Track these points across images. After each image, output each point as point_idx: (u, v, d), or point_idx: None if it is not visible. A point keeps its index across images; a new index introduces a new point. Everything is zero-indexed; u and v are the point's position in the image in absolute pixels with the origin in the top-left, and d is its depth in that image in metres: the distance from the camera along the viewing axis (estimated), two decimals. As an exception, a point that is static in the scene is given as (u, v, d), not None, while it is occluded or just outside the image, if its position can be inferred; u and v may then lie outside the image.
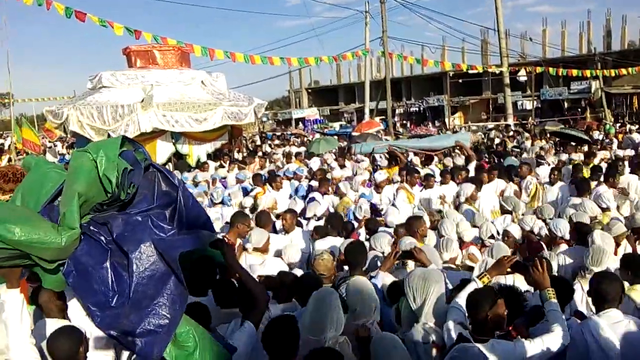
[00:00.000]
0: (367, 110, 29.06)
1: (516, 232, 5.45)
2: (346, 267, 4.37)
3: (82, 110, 12.00)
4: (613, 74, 28.90)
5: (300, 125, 43.21)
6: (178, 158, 13.11)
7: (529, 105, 32.56)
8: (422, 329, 3.10)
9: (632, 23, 40.04)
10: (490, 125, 30.82)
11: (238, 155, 14.19)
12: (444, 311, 3.12)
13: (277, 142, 21.49)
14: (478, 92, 42.30)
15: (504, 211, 6.77)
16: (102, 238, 2.35)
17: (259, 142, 22.29)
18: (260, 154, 15.65)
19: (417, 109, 47.03)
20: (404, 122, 43.98)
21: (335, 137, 20.30)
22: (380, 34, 23.42)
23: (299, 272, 4.57)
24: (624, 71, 28.24)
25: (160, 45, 14.25)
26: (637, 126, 21.44)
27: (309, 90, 57.76)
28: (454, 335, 2.86)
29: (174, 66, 14.00)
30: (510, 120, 26.76)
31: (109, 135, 11.08)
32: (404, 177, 8.50)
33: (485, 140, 19.64)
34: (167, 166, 12.88)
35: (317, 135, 23.72)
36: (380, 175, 8.58)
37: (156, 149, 12.24)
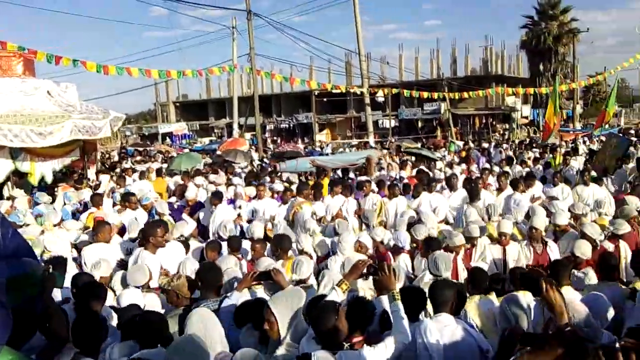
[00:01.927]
0: (235, 126, 28.91)
1: (368, 242, 5.80)
2: None
3: None
4: (457, 97, 32.25)
5: (168, 140, 41.51)
6: (19, 176, 11.73)
7: (388, 123, 34.99)
8: (284, 349, 3.10)
9: (474, 52, 45.20)
10: (354, 142, 32.53)
11: (91, 173, 13.13)
12: (306, 329, 3.15)
13: (138, 158, 20.32)
14: (343, 111, 44.48)
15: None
16: None
17: (116, 159, 20.89)
18: (117, 170, 14.65)
19: (287, 125, 47.99)
20: (275, 138, 44.57)
21: (199, 154, 19.77)
22: (249, 50, 23.55)
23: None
24: (466, 95, 31.67)
25: (-2, 50, 12.75)
26: (476, 143, 24.17)
27: (177, 104, 55.83)
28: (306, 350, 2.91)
29: (14, 74, 12.58)
30: (371, 138, 28.46)
31: None
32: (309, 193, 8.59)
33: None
34: (5, 185, 11.52)
35: (186, 151, 22.98)
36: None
37: (-9, 166, 10.83)
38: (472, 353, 3.08)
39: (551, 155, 13.58)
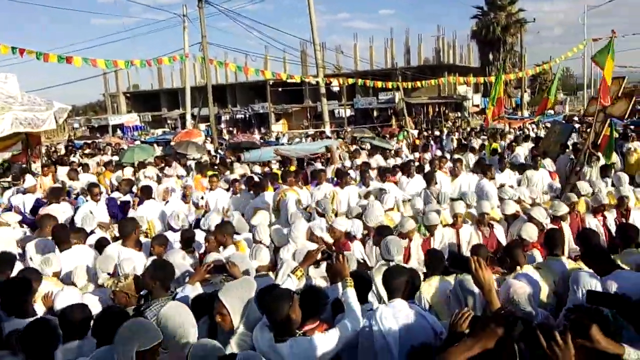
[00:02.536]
0: (188, 117, 28.32)
1: (322, 231, 5.81)
2: None
3: None
4: (411, 86, 32.72)
5: (119, 132, 40.25)
6: (-44, 172, 11.11)
7: (344, 113, 35.21)
8: (239, 339, 3.09)
9: (427, 42, 46.11)
10: (311, 132, 32.52)
11: (36, 167, 12.55)
12: (259, 317, 3.15)
13: (87, 151, 19.58)
14: (300, 101, 44.40)
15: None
16: None
17: (63, 152, 20.05)
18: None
19: (243, 115, 47.49)
20: (231, 128, 44.02)
21: (155, 145, 19.28)
22: (200, 39, 23.03)
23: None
24: (419, 84, 32.18)
25: None
26: (430, 132, 24.70)
27: (128, 95, 54.14)
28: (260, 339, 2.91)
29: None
30: (328, 128, 28.55)
31: None
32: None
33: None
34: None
35: (138, 143, 22.32)
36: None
37: None
38: (427, 336, 3.13)
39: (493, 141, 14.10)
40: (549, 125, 17.67)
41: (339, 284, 3.41)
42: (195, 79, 44.80)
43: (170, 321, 3.07)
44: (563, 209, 6.07)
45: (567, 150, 10.06)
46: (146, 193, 7.99)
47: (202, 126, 33.47)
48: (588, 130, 10.22)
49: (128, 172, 11.81)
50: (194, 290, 3.96)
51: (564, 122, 11.88)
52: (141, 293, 4.08)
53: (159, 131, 37.21)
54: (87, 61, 16.03)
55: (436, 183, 8.11)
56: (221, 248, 5.41)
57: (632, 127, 21.68)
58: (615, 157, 9.81)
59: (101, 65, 17.22)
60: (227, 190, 9.17)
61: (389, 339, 3.12)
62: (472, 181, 8.59)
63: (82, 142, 24.13)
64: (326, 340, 2.94)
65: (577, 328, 2.10)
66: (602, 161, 9.01)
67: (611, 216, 6.37)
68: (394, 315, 3.19)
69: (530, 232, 5.14)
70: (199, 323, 3.43)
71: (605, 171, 8.38)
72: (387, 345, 3.12)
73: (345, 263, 3.39)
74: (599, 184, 7.26)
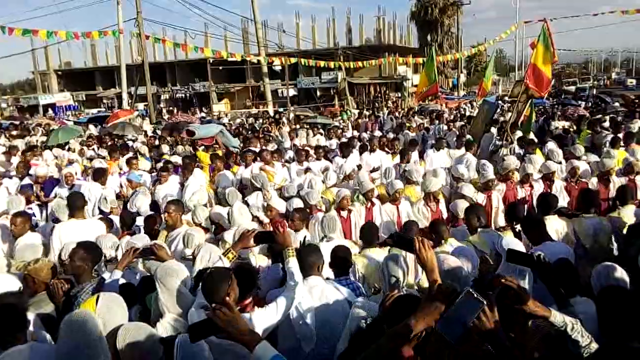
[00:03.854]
0: (124, 96, 27.30)
1: (255, 211, 5.96)
2: None
3: None
4: (353, 66, 33.07)
5: (50, 112, 38.16)
6: None
7: (287, 92, 35.05)
8: (167, 323, 3.08)
9: (368, 22, 46.45)
10: (254, 111, 32.28)
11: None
12: (191, 300, 3.15)
13: (15, 132, 18.50)
14: (242, 80, 43.73)
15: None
16: None
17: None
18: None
19: (183, 95, 46.25)
20: (171, 108, 42.79)
21: (85, 125, 18.46)
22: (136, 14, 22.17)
23: None
24: (361, 64, 32.55)
25: None
26: (370, 112, 25.16)
27: (60, 73, 51.25)
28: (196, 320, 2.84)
29: None
30: (270, 107, 28.42)
31: None
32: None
33: (246, 126, 20.56)
34: None
35: (70, 124, 21.29)
36: None
37: None
38: (342, 308, 3.32)
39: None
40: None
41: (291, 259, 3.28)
42: (132, 56, 43.04)
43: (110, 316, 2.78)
44: (489, 174, 6.57)
45: (492, 128, 10.62)
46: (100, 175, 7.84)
47: (140, 105, 32.34)
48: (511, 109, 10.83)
49: (49, 156, 11.25)
50: (121, 274, 3.88)
51: (492, 101, 12.44)
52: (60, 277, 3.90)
53: (94, 111, 35.62)
54: (28, 32, 14.83)
55: (408, 161, 8.39)
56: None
57: (557, 106, 23.14)
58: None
59: (17, 34, 15.91)
60: (150, 172, 9.09)
61: (304, 313, 3.28)
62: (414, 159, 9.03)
63: (9, 122, 22.72)
64: (266, 315, 2.94)
65: (506, 293, 2.21)
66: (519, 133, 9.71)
67: (538, 186, 6.77)
68: (309, 291, 3.35)
69: (460, 207, 5.50)
70: (131, 314, 3.26)
71: (532, 146, 8.89)
72: (303, 319, 3.27)
73: (286, 233, 3.39)
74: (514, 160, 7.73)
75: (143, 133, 16.08)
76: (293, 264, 3.20)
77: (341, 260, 3.80)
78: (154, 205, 6.88)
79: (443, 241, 4.59)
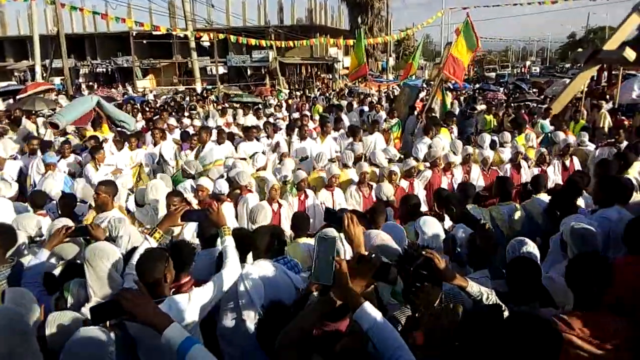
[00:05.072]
0: (37, 69, 25.34)
1: (185, 193, 5.80)
2: None
3: None
4: (285, 46, 32.70)
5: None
6: None
7: (216, 70, 34.15)
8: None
9: (300, 1, 46.04)
10: (181, 88, 31.20)
11: None
12: (120, 283, 3.03)
13: None
14: (169, 56, 42.01)
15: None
16: None
17: None
18: None
19: (104, 69, 43.76)
20: (91, 83, 40.38)
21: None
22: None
23: None
24: (292, 44, 32.27)
25: None
26: (302, 92, 25.16)
27: (-38, 41, 46.69)
28: None
29: None
30: (198, 85, 27.59)
31: None
32: None
33: (172, 103, 19.87)
34: None
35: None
36: None
37: None
38: (289, 292, 3.30)
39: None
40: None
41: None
42: (47, 26, 39.93)
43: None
44: (410, 163, 6.76)
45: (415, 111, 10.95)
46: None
47: (57, 80, 30.21)
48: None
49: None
50: (47, 256, 3.69)
51: (413, 85, 12.82)
52: None
53: (4, 84, 32.85)
54: None
55: (361, 140, 8.36)
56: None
57: (478, 91, 24.29)
58: None
59: None
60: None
61: (253, 296, 3.20)
62: (343, 142, 9.06)
63: None
64: (204, 293, 2.82)
65: (427, 265, 2.38)
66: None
67: (458, 172, 7.11)
68: (259, 274, 3.29)
69: (386, 191, 5.71)
70: (50, 302, 3.16)
71: (437, 127, 9.22)
72: (251, 301, 3.20)
73: (220, 211, 3.23)
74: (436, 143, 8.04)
75: (57, 107, 15.05)
76: (229, 242, 3.08)
77: (278, 240, 3.71)
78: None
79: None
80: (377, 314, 1.97)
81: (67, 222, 4.31)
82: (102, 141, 8.55)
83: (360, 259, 2.15)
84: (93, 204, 5.16)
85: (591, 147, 8.28)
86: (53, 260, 3.78)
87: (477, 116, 12.22)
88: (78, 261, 3.67)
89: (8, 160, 7.68)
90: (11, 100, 16.94)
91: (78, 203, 5.67)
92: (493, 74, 45.71)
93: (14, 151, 8.62)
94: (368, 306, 1.98)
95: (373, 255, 2.25)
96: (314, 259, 2.05)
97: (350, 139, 8.96)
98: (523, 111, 12.46)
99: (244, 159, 8.09)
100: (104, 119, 9.66)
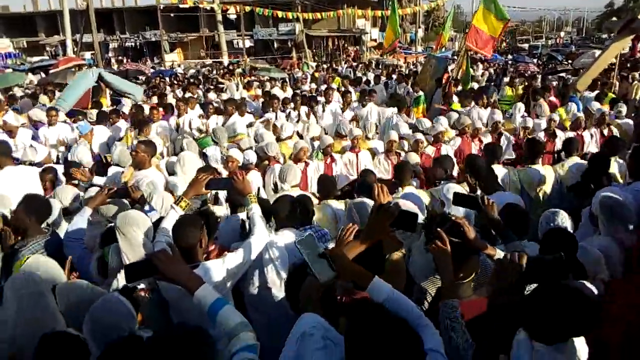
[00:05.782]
0: (69, 43, 25.72)
1: (214, 163, 5.90)
2: None
3: None
4: (311, 17, 32.28)
5: (-13, 59, 35.64)
6: None
7: (242, 44, 34.08)
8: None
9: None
10: (208, 62, 31.27)
11: None
12: (150, 249, 3.03)
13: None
14: (196, 30, 42.03)
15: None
16: None
17: None
18: None
19: (133, 44, 44.14)
20: (120, 57, 40.83)
21: (24, 73, 17.33)
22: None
23: None
24: (319, 15, 31.82)
25: None
26: (328, 65, 24.89)
27: (-4, 17, 47.63)
28: None
29: None
30: (225, 58, 27.59)
31: None
32: None
33: (200, 78, 19.96)
34: None
35: (9, 71, 19.98)
36: None
37: None
38: None
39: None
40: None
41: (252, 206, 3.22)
42: (77, 1, 40.37)
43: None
44: (439, 128, 6.78)
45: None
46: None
47: (87, 54, 30.66)
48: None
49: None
50: (89, 214, 3.74)
51: (439, 56, 12.47)
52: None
53: (37, 59, 33.53)
54: None
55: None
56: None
57: (510, 62, 23.59)
58: None
59: None
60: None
61: (278, 265, 3.22)
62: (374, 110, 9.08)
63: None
64: (236, 258, 2.90)
65: (455, 230, 2.30)
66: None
67: (486, 139, 7.02)
68: (284, 242, 3.28)
69: (413, 158, 5.86)
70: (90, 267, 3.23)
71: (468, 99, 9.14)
72: (276, 270, 3.22)
73: (245, 179, 3.27)
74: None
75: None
76: (256, 209, 3.12)
77: (305, 209, 3.70)
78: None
79: (400, 188, 4.62)
80: (388, 287, 1.98)
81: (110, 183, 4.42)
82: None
83: (378, 208, 2.16)
84: (126, 171, 5.25)
85: (628, 121, 7.99)
86: (98, 218, 3.84)
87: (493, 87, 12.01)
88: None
89: (21, 128, 7.82)
90: (43, 74, 17.30)
91: (113, 166, 5.79)
92: (526, 45, 44.28)
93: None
94: (378, 281, 1.99)
95: (391, 203, 2.24)
96: (307, 264, 2.01)
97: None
98: (556, 83, 12.11)
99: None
100: (104, 92, 9.64)
